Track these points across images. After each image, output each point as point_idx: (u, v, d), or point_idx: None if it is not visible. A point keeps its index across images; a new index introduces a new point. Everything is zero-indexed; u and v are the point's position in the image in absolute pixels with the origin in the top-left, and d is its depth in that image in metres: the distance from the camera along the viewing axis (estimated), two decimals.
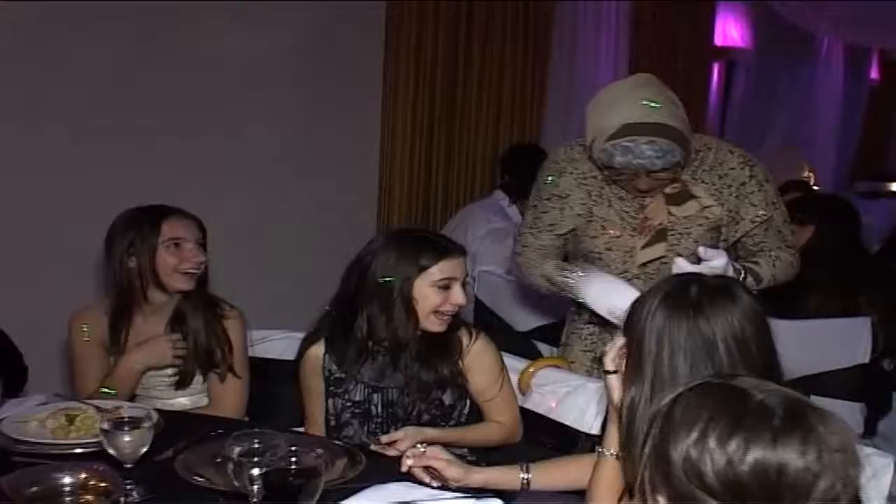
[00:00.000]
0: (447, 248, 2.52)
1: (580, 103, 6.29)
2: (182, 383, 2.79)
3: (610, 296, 2.50)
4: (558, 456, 2.42)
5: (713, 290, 1.75)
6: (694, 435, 1.22)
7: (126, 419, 2.01)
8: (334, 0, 4.72)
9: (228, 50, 4.30)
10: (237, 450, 1.84)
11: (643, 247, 2.69)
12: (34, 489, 1.71)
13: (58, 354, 3.41)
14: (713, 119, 8.35)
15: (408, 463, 2.08)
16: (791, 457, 1.19)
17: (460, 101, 5.50)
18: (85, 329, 2.80)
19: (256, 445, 1.83)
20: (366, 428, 2.53)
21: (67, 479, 1.73)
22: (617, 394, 1.87)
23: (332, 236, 4.60)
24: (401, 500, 1.97)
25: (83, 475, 1.74)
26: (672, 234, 2.69)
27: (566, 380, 2.64)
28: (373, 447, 2.34)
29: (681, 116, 2.56)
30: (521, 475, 2.15)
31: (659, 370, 1.70)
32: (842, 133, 9.93)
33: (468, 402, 2.56)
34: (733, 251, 2.75)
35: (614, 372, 1.87)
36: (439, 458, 2.08)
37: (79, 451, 2.23)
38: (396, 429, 2.41)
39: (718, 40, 8.27)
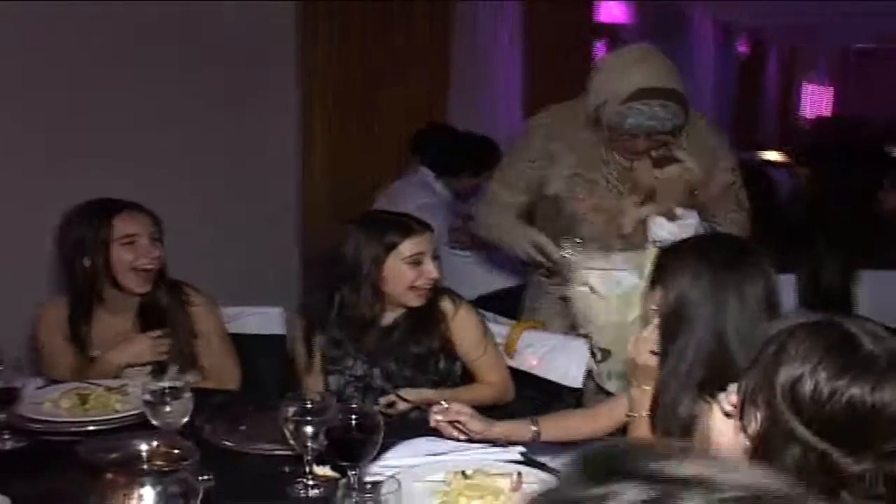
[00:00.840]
0: (412, 226, 2.64)
1: (482, 80, 6.55)
2: (160, 373, 2.67)
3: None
4: (545, 410, 2.60)
5: None
6: (805, 369, 1.36)
7: (167, 389, 2.09)
8: None
9: (140, 30, 4.19)
10: (292, 410, 1.95)
11: (633, 206, 2.87)
12: (114, 455, 1.79)
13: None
14: None
15: (437, 418, 2.22)
16: (886, 400, 1.36)
17: (373, 83, 5.58)
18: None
19: (309, 406, 1.95)
20: (367, 400, 2.62)
21: (143, 446, 1.81)
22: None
23: (253, 222, 4.69)
24: (432, 452, 2.12)
25: (155, 443, 1.82)
26: (658, 196, 2.88)
27: (547, 339, 2.83)
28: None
29: (683, 84, 2.78)
30: (532, 427, 2.32)
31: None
32: (717, 106, 10.42)
33: (459, 363, 2.70)
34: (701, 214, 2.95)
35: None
36: (463, 413, 2.22)
37: (97, 428, 2.33)
38: None
39: (601, 17, 8.55)
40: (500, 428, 2.28)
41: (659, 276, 2.06)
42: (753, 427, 1.40)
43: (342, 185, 5.39)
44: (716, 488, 0.74)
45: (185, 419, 2.09)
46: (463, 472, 1.95)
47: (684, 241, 2.22)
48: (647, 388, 2.11)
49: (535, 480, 1.95)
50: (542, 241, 2.90)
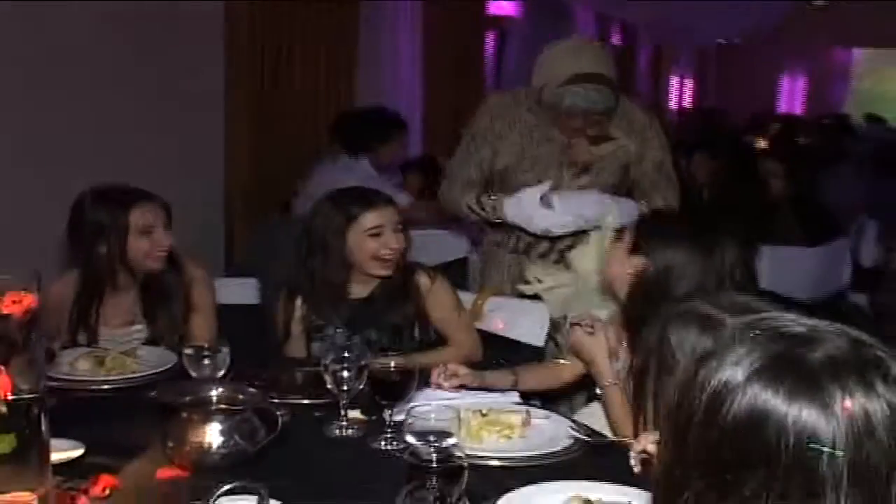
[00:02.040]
0: (372, 199, 2.88)
1: (386, 71, 6.80)
2: (154, 342, 2.89)
3: (529, 208, 3.08)
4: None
5: None
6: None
7: (205, 345, 2.32)
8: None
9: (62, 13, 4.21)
10: (331, 356, 2.20)
11: (572, 178, 3.21)
12: (187, 398, 2.01)
13: None
14: (490, 85, 8.97)
15: (439, 380, 2.44)
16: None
17: (285, 72, 5.79)
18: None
19: (346, 355, 2.20)
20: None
21: (213, 392, 2.03)
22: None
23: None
24: (442, 398, 2.39)
25: (221, 388, 2.05)
26: (594, 169, 3.23)
27: (511, 304, 3.15)
28: None
29: (614, 72, 3.15)
30: (511, 377, 2.62)
31: None
32: None
33: (433, 330, 2.93)
34: (634, 189, 3.30)
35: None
36: (460, 368, 2.49)
37: (128, 385, 2.52)
38: None
39: (492, 10, 8.89)
40: (489, 377, 2.58)
41: (645, 244, 2.33)
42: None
43: (264, 170, 5.59)
44: None
45: (221, 372, 2.32)
46: (480, 411, 2.22)
47: (662, 214, 2.55)
48: (606, 359, 2.38)
49: (541, 416, 2.26)
50: (471, 200, 3.24)
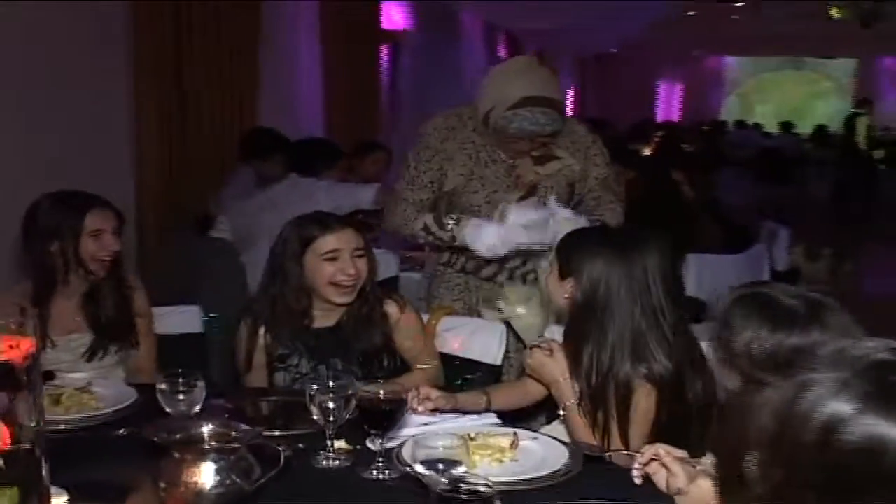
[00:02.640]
0: (330, 223, 2.78)
1: (288, 85, 6.73)
2: (92, 356, 2.95)
3: (485, 234, 3.09)
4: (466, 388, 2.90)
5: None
6: (749, 334, 1.84)
7: (180, 380, 2.24)
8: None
9: None
10: (315, 387, 2.15)
11: (518, 199, 3.20)
12: (178, 436, 1.93)
13: None
14: (386, 98, 9.00)
15: (419, 409, 2.41)
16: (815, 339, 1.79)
17: (191, 87, 5.68)
18: None
19: (331, 385, 2.15)
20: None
21: (204, 428, 1.96)
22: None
23: None
24: (422, 423, 2.36)
25: (212, 425, 1.97)
26: (540, 189, 3.24)
27: (466, 323, 3.14)
28: None
29: (561, 93, 3.18)
30: (483, 398, 2.62)
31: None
32: None
33: (399, 358, 2.88)
34: (580, 206, 3.33)
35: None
36: (433, 393, 2.47)
37: (90, 424, 2.42)
38: None
39: (385, 25, 8.91)
40: (462, 398, 2.57)
41: (568, 267, 2.41)
42: (734, 384, 1.83)
43: (173, 186, 5.47)
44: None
45: (198, 408, 2.25)
46: (468, 436, 2.20)
47: (580, 232, 2.62)
48: (567, 377, 2.43)
49: (527, 437, 2.25)
50: (429, 221, 3.22)
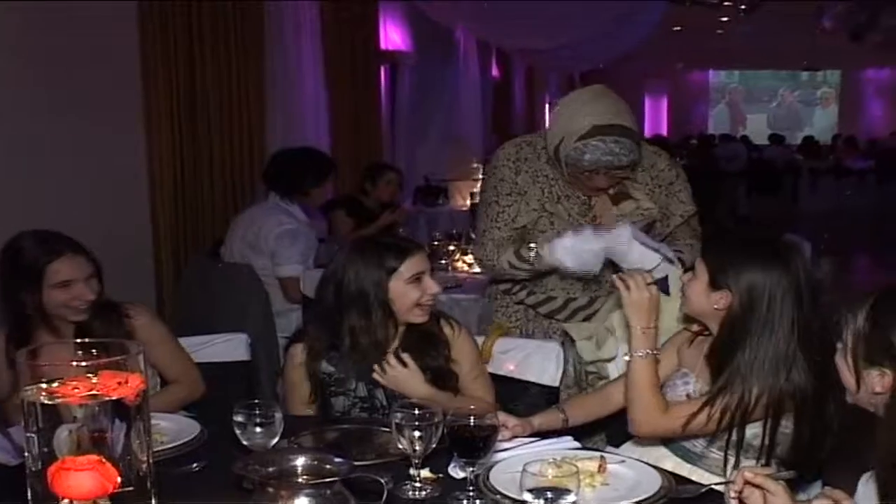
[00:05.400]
0: (407, 247, 2.76)
1: (293, 102, 6.71)
2: None
3: (576, 252, 2.94)
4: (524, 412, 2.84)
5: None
6: None
7: (257, 411, 2.18)
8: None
9: None
10: (400, 415, 2.10)
11: None
12: (270, 469, 1.87)
13: None
14: (385, 119, 8.98)
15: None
16: None
17: (202, 104, 5.64)
18: None
19: (416, 412, 2.10)
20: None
21: (298, 462, 1.90)
22: None
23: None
24: (500, 449, 2.31)
25: (305, 458, 1.91)
26: None
27: (521, 344, 3.09)
28: None
29: (635, 121, 2.98)
30: (561, 415, 2.58)
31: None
32: (483, 126, 11.05)
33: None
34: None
35: None
36: (510, 421, 2.42)
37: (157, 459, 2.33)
38: None
39: (384, 45, 8.89)
40: (538, 420, 2.52)
41: (724, 277, 2.36)
42: (886, 381, 1.79)
43: (189, 211, 5.43)
44: None
45: (275, 440, 2.19)
46: (554, 461, 2.15)
47: (731, 242, 2.51)
48: (652, 327, 2.42)
49: (616, 461, 2.21)
50: (511, 258, 3.11)
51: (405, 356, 2.68)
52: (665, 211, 3.17)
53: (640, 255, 2.87)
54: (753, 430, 2.34)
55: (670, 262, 2.92)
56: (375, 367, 2.67)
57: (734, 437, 2.33)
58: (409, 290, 2.68)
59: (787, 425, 2.33)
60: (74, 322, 2.78)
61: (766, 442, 2.33)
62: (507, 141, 3.26)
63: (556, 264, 3.00)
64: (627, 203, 3.09)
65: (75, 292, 2.74)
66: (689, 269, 2.81)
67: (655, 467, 2.21)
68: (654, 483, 2.09)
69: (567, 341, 3.11)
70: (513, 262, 3.10)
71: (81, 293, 2.74)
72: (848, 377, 1.94)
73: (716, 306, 2.38)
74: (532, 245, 3.06)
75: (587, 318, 3.16)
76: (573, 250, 2.93)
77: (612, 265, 2.96)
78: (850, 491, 1.96)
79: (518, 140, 3.23)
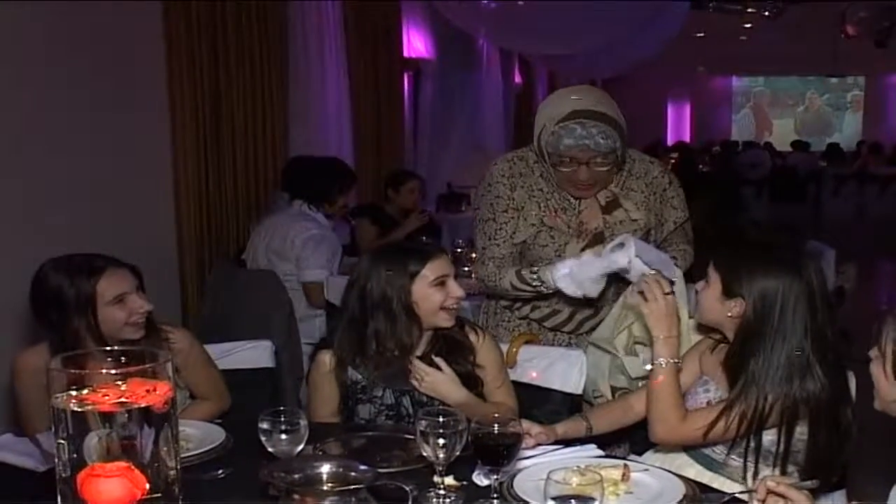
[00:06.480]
0: (430, 250, 2.78)
1: (316, 109, 6.75)
2: None
3: (577, 281, 2.93)
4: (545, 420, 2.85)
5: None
6: None
7: (282, 418, 2.19)
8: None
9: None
10: (424, 423, 2.11)
11: (583, 248, 3.05)
12: (296, 476, 1.88)
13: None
14: (408, 126, 9.01)
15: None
16: None
17: (226, 111, 5.68)
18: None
19: (441, 420, 2.11)
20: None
21: (323, 469, 1.91)
22: None
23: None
24: (524, 456, 2.31)
25: (329, 465, 1.92)
26: (608, 238, 3.04)
27: (545, 352, 3.09)
28: None
29: (620, 115, 2.97)
30: (584, 424, 2.59)
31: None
32: (506, 133, 11.07)
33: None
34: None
35: None
36: (534, 429, 2.42)
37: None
38: None
39: (407, 52, 8.93)
40: (562, 429, 2.53)
41: (738, 285, 2.36)
42: None
43: (212, 217, 5.47)
44: None
45: (300, 447, 2.20)
46: (578, 469, 2.15)
47: (745, 249, 2.50)
48: (673, 335, 2.42)
49: (639, 469, 2.21)
50: (513, 279, 3.09)
51: (439, 360, 2.68)
52: (659, 217, 3.17)
53: (640, 271, 2.82)
54: (770, 437, 2.34)
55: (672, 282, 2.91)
56: (413, 372, 2.68)
57: (752, 443, 2.34)
58: (433, 293, 2.68)
59: (802, 432, 2.33)
60: (132, 341, 2.68)
61: (783, 448, 2.33)
62: (499, 157, 3.24)
63: (557, 288, 2.99)
64: (618, 212, 3.09)
65: (131, 305, 2.67)
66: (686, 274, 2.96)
67: (678, 475, 2.21)
68: (677, 491, 2.09)
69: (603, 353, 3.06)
70: (515, 284, 3.08)
71: (138, 304, 2.68)
72: (885, 385, 1.95)
73: (730, 314, 2.39)
74: (535, 269, 3.03)
75: (593, 329, 3.14)
76: (573, 278, 2.93)
77: (616, 276, 2.96)
78: (880, 501, 1.96)
79: (510, 155, 3.21)
